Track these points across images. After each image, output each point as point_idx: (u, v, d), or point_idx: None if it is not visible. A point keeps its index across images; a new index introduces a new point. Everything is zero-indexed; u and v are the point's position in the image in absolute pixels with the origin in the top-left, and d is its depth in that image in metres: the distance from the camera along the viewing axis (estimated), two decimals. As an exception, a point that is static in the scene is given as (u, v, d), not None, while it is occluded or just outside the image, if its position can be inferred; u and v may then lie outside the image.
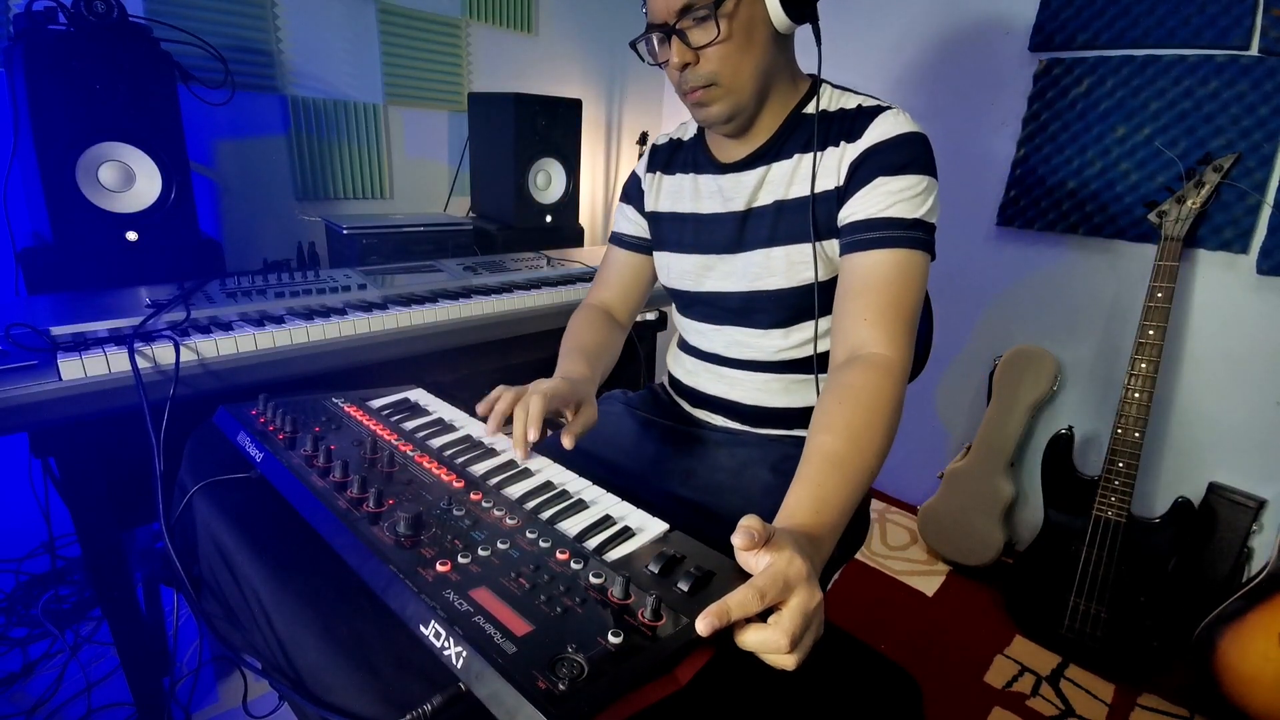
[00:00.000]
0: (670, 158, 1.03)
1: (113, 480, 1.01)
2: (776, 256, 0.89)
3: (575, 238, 2.02)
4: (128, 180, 1.20)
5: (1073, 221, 1.71)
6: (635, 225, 1.07)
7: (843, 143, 0.83)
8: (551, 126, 1.86)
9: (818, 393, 0.87)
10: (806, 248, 0.86)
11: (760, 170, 0.90)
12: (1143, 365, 1.44)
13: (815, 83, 0.89)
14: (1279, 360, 1.50)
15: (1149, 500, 1.67)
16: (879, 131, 0.81)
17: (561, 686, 0.40)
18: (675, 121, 2.67)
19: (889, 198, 0.79)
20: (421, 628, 0.46)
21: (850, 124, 0.84)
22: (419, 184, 2.06)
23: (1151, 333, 1.43)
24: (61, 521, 1.35)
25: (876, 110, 0.83)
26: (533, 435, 0.72)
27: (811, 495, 0.62)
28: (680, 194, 1.00)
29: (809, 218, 0.85)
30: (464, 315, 1.29)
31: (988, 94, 1.84)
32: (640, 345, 1.71)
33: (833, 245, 0.86)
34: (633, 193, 1.08)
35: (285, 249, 1.67)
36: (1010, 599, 1.69)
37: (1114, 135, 1.62)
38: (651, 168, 1.05)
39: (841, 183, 0.83)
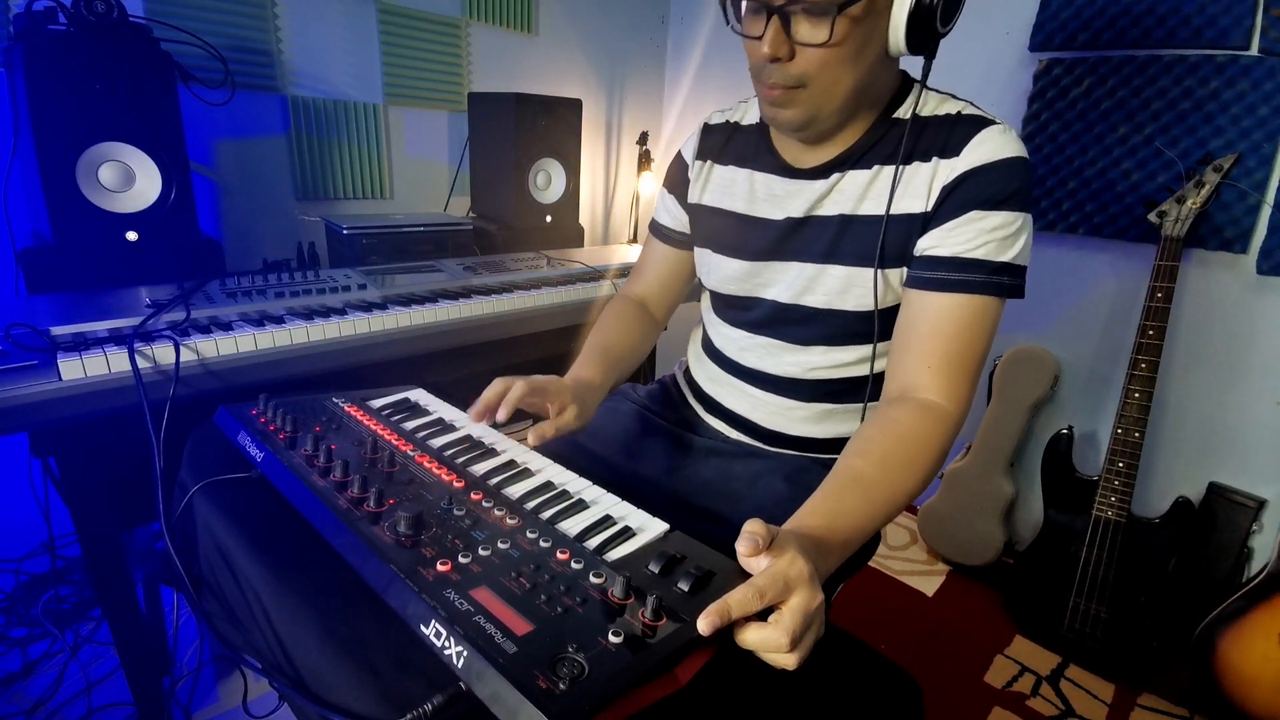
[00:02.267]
0: (725, 144, 0.91)
1: (113, 480, 1.01)
2: (834, 274, 0.80)
3: (575, 238, 2.03)
4: (128, 180, 1.20)
5: (1073, 221, 1.71)
6: (675, 219, 0.98)
7: (935, 158, 0.73)
8: (551, 126, 1.86)
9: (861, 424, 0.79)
10: (870, 273, 0.77)
11: (832, 178, 0.79)
12: (1143, 365, 1.44)
13: (909, 84, 0.79)
14: (1279, 360, 1.50)
15: (1149, 500, 1.67)
16: (981, 152, 0.70)
17: (562, 686, 0.40)
18: (677, 122, 2.71)
19: (979, 236, 0.70)
20: (422, 627, 0.46)
21: (947, 135, 0.73)
22: (419, 184, 2.06)
23: (1151, 333, 1.43)
24: (61, 521, 1.35)
25: (980, 123, 0.72)
26: (500, 415, 0.74)
27: (827, 509, 0.61)
28: (732, 190, 0.89)
29: (879, 241, 0.76)
30: (464, 315, 1.29)
31: (988, 94, 1.84)
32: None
33: (897, 274, 0.78)
34: (677, 180, 0.97)
35: (285, 249, 1.67)
36: (1010, 599, 1.69)
37: (1114, 135, 1.62)
38: (702, 154, 0.93)
39: (930, 208, 0.73)
